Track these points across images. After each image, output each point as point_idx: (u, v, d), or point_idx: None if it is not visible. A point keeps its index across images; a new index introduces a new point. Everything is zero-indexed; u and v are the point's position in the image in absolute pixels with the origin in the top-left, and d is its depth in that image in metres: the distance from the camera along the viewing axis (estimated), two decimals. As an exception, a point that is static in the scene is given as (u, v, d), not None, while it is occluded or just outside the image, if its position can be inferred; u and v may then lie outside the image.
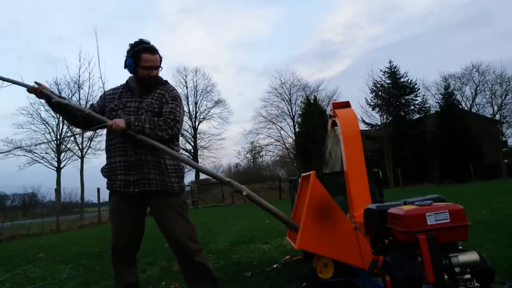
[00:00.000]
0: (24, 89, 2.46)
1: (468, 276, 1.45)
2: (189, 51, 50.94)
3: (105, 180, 2.48)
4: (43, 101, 2.53)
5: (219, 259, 4.44)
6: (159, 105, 2.41)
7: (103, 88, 2.60)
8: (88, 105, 2.47)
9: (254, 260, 4.31)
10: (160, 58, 2.44)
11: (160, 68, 2.47)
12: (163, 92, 2.46)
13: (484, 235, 4.31)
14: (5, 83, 2.50)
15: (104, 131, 2.59)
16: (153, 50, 2.40)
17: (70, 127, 20.49)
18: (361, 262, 2.17)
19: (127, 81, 2.52)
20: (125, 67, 2.44)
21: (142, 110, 2.38)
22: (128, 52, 2.41)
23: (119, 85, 2.57)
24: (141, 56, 2.36)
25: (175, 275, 3.81)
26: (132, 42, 2.42)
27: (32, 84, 2.44)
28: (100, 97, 2.59)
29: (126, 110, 2.39)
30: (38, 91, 2.41)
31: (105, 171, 2.45)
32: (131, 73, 2.46)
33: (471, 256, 1.47)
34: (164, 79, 2.57)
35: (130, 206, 2.40)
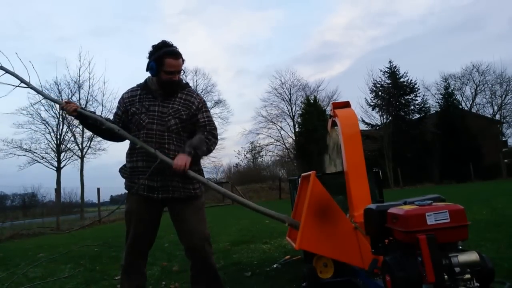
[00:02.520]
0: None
1: (468, 276, 1.45)
2: (190, 52, 51.02)
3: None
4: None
5: (219, 259, 4.44)
6: (187, 112, 2.38)
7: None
8: (90, 108, 2.44)
9: (254, 260, 4.31)
10: (183, 61, 2.38)
11: (182, 72, 2.42)
12: (188, 97, 2.42)
13: (484, 235, 4.31)
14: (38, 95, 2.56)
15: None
16: (176, 55, 2.32)
17: (70, 127, 20.51)
18: (361, 262, 2.17)
19: (146, 82, 2.44)
20: (147, 70, 2.38)
21: (169, 117, 2.34)
22: (151, 54, 2.33)
23: (135, 85, 2.50)
24: (165, 60, 2.28)
25: (175, 275, 3.82)
26: (155, 43, 2.34)
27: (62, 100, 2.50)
28: (119, 102, 2.49)
29: (150, 115, 2.34)
30: (70, 109, 2.33)
31: (126, 172, 2.42)
32: (152, 76, 2.39)
33: (471, 256, 1.47)
34: (185, 81, 2.52)
35: (149, 209, 2.39)
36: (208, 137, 2.37)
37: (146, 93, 2.41)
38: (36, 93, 2.53)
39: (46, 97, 2.59)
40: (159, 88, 2.39)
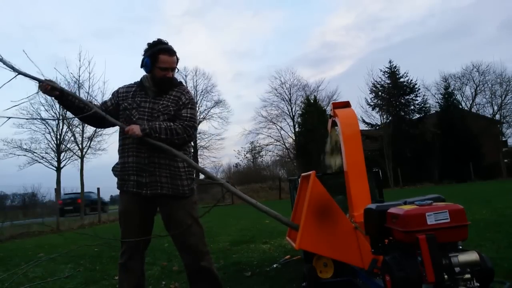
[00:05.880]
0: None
1: (468, 276, 1.45)
2: (191, 53, 51.20)
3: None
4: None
5: (219, 259, 4.44)
6: (175, 108, 2.38)
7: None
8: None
9: (254, 260, 4.31)
10: (177, 59, 2.41)
11: (176, 70, 2.44)
12: (178, 94, 2.43)
13: (484, 235, 4.31)
14: (15, 74, 2.25)
15: (104, 131, 2.57)
16: (171, 51, 2.36)
17: (71, 127, 20.50)
18: (361, 262, 2.17)
19: (141, 80, 2.47)
20: (141, 66, 2.41)
21: (158, 113, 2.35)
22: (146, 51, 2.37)
23: (132, 82, 2.52)
24: (159, 57, 2.32)
25: (175, 275, 3.82)
26: (151, 41, 2.38)
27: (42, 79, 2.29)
28: (113, 93, 2.52)
29: (140, 111, 2.36)
30: (47, 87, 2.25)
31: (117, 170, 2.42)
32: (147, 72, 2.42)
33: (471, 256, 1.47)
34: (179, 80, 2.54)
35: (141, 206, 2.38)
36: (177, 129, 2.30)
37: (140, 90, 2.44)
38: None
39: (21, 73, 2.25)
40: (152, 85, 2.41)
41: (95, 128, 19.61)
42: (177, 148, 2.32)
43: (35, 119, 19.99)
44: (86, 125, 19.18)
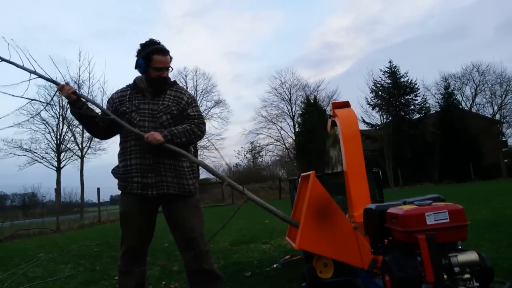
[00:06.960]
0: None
1: (467, 275, 1.46)
2: (191, 53, 51.25)
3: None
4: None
5: (219, 259, 4.44)
6: (177, 107, 2.39)
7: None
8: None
9: (254, 260, 4.31)
10: (171, 58, 2.41)
11: (170, 69, 2.44)
12: (178, 94, 2.44)
13: (484, 235, 4.31)
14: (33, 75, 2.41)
15: None
16: (164, 51, 2.36)
17: (71, 127, 20.51)
18: (361, 262, 2.17)
19: (134, 82, 2.45)
20: (135, 68, 2.40)
21: (160, 113, 2.35)
22: (139, 52, 2.37)
23: (125, 86, 2.51)
24: (153, 57, 2.32)
25: (175, 275, 3.82)
26: (143, 42, 2.38)
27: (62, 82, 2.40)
28: (108, 102, 2.50)
29: (140, 113, 2.35)
30: (69, 91, 2.30)
31: (119, 172, 2.40)
32: (141, 73, 2.41)
33: (471, 256, 1.48)
34: (172, 79, 2.54)
35: (143, 208, 2.38)
36: (193, 129, 2.36)
37: (135, 92, 2.42)
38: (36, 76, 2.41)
39: (41, 76, 2.42)
40: (148, 86, 2.41)
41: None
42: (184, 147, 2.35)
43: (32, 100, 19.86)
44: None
